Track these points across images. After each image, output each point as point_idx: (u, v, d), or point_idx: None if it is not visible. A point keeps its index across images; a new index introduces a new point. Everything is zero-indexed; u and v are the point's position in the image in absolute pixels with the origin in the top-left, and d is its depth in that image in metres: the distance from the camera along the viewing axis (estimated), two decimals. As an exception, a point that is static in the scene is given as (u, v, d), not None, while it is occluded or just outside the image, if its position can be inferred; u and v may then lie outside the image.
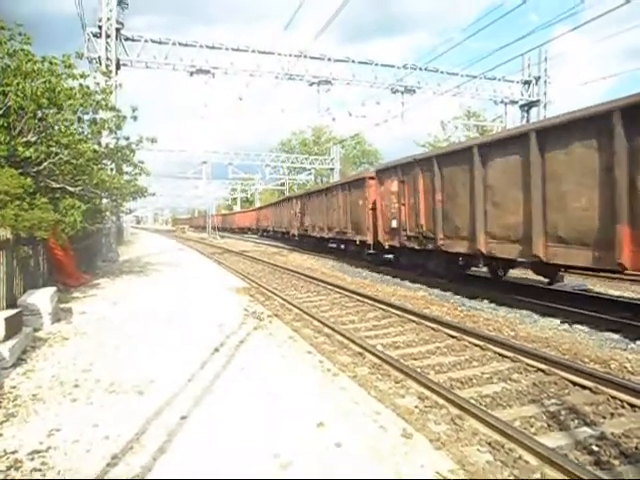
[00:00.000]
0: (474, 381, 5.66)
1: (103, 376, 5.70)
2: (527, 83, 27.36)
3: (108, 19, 20.43)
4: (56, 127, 11.51)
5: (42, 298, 8.37)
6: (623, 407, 4.79)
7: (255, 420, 4.48)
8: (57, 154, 11.08)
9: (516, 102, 27.91)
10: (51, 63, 11.18)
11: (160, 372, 5.83)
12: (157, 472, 3.58)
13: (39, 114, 10.96)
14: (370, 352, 6.73)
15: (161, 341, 7.42)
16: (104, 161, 14.55)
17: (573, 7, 13.78)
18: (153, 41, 22.51)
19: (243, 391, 5.23)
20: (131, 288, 13.15)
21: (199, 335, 7.69)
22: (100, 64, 19.72)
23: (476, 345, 7.04)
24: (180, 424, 4.38)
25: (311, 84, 24.76)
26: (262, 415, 4.60)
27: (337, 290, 12.40)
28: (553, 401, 5.00)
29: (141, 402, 4.94)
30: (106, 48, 20.41)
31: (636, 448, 3.94)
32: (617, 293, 11.63)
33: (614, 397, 4.97)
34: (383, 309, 9.81)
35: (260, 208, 49.26)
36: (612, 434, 4.19)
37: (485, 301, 10.70)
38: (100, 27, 20.39)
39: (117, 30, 20.90)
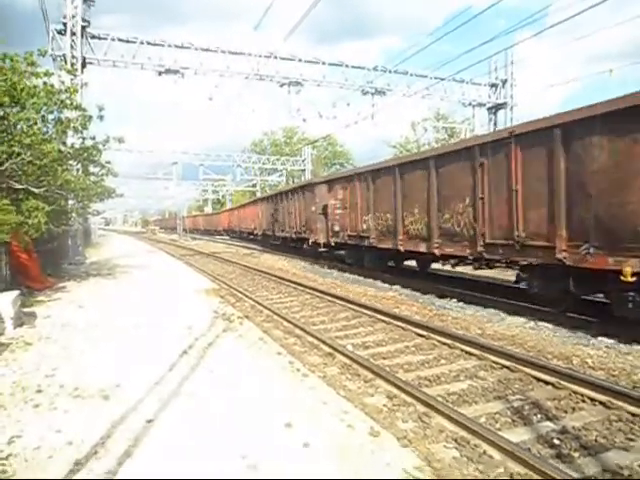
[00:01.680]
0: (442, 379, 5.74)
1: (67, 381, 5.58)
2: (494, 86, 27.87)
3: (73, 16, 19.93)
4: (18, 126, 11.19)
5: (4, 302, 8.13)
6: (584, 401, 4.93)
7: (223, 422, 4.45)
8: (19, 154, 10.77)
9: (484, 104, 28.39)
10: (12, 60, 10.88)
11: (127, 376, 5.73)
12: (122, 476, 3.52)
13: (0, 113, 10.64)
14: (340, 352, 6.75)
15: (128, 344, 7.30)
16: (70, 162, 14.21)
17: (537, 12, 14.13)
18: (120, 40, 22.08)
19: (211, 393, 5.19)
20: (98, 291, 12.89)
21: (167, 338, 7.59)
22: (65, 62, 19.27)
23: (444, 344, 7.14)
24: (147, 428, 4.32)
25: (282, 85, 24.69)
26: (230, 416, 4.57)
27: (308, 291, 12.40)
28: (517, 397, 5.12)
29: (107, 406, 4.85)
30: (71, 46, 19.93)
31: (595, 441, 4.06)
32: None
33: (575, 392, 5.11)
34: (354, 309, 9.86)
35: (255, 202, 36.37)
36: (573, 427, 4.31)
37: (454, 300, 10.85)
38: (65, 24, 19.90)
39: (83, 28, 20.41)
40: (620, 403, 4.70)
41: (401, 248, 13.06)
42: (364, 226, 15.10)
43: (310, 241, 20.16)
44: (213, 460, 3.76)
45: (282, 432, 4.22)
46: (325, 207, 18.41)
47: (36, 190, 11.61)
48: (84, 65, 21.05)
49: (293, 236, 23.29)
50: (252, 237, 35.44)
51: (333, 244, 17.88)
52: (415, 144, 42.02)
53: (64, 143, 13.84)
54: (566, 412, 4.70)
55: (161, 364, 6.13)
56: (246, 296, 11.83)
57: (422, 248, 12.13)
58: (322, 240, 18.79)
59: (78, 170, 15.38)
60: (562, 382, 5.31)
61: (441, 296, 11.28)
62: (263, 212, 30.50)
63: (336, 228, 17.10)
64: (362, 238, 15.27)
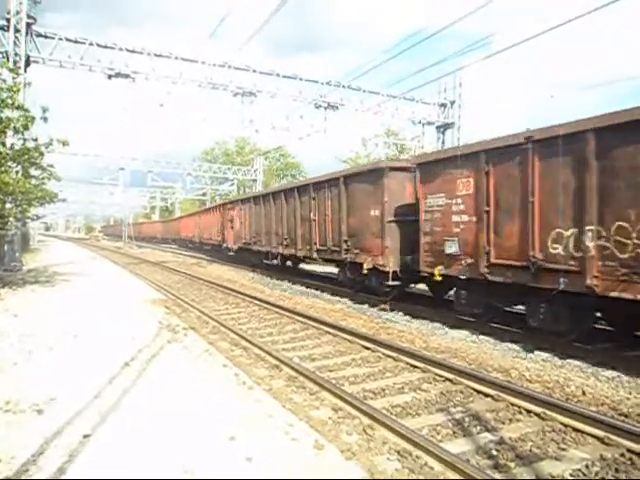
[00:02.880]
0: (386, 391, 5.82)
1: (-3, 394, 5.28)
2: (443, 106, 28.79)
3: (18, 12, 19.12)
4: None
5: None
6: (520, 413, 5.11)
7: (164, 436, 4.33)
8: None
9: (433, 123, 29.25)
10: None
11: (63, 389, 5.49)
12: (54, 496, 3.36)
13: None
14: (286, 365, 6.72)
15: (66, 356, 7.00)
16: (8, 163, 13.58)
17: (485, 37, 14.79)
18: (68, 39, 21.31)
19: (153, 406, 5.04)
20: (35, 299, 12.31)
21: (108, 349, 7.34)
22: (7, 60, 18.43)
23: (389, 356, 7.25)
24: (83, 443, 4.14)
25: (235, 95, 24.56)
26: (172, 431, 4.45)
27: (256, 302, 12.30)
28: (459, 409, 5.25)
29: (40, 421, 4.62)
30: (15, 43, 19.11)
31: (530, 451, 4.22)
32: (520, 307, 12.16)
33: (513, 404, 5.29)
34: (301, 321, 9.85)
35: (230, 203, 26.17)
36: (510, 438, 4.46)
37: (400, 313, 11.03)
38: (8, 20, 19.07)
39: (28, 25, 19.59)
40: (554, 414, 4.91)
41: None
42: (570, 247, 7.24)
43: (365, 267, 12.39)
44: (153, 475, 3.65)
45: (225, 446, 4.15)
46: (411, 210, 11.21)
47: (-30, 192, 11.03)
48: (28, 64, 20.20)
49: (314, 255, 15.72)
50: (216, 251, 28.43)
51: (439, 277, 9.99)
52: (366, 159, 42.66)
53: (3, 144, 13.22)
54: (504, 423, 4.86)
55: (101, 376, 5.90)
56: (192, 307, 11.61)
57: None
58: (392, 266, 11.54)
59: (18, 172, 14.70)
60: (501, 394, 5.49)
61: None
62: (245, 217, 22.54)
63: (451, 249, 9.55)
64: (551, 274, 7.51)
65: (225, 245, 25.95)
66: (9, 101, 12.19)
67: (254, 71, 24.56)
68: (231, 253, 25.31)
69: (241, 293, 13.78)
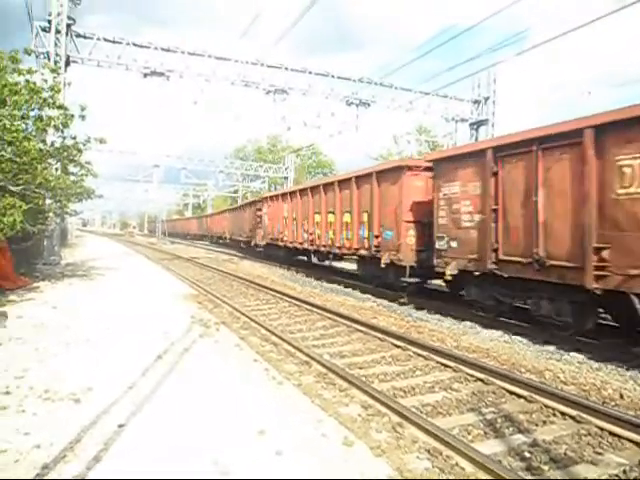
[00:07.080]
0: (416, 390, 5.77)
1: (37, 383, 5.46)
2: (477, 102, 28.32)
3: (59, 14, 19.69)
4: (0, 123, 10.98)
5: (-25, 301, 7.94)
6: (555, 415, 5.00)
7: (195, 428, 4.41)
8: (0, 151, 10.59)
9: (466, 120, 28.80)
10: (-5, 56, 10.73)
11: (99, 380, 5.64)
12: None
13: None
14: (316, 361, 6.75)
15: (102, 348, 7.18)
16: (49, 160, 13.99)
17: (518, 33, 14.49)
18: (106, 40, 21.85)
19: (184, 399, 5.13)
20: (72, 292, 12.68)
21: (142, 342, 7.49)
22: (48, 60, 18.99)
23: (420, 355, 7.19)
24: (117, 432, 4.25)
25: (267, 92, 24.70)
26: (203, 423, 4.52)
27: (286, 299, 12.37)
28: (490, 409, 5.17)
29: (77, 410, 4.76)
30: (55, 44, 19.66)
31: (564, 454, 4.13)
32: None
33: (547, 406, 5.18)
34: (331, 318, 9.86)
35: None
36: (543, 441, 4.37)
37: (431, 312, 10.92)
38: (50, 22, 19.65)
39: (68, 26, 20.16)
40: (590, 418, 4.78)
41: None
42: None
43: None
44: (184, 465, 3.72)
45: (255, 439, 4.20)
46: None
47: (13, 188, 11.40)
48: (68, 64, 20.78)
49: None
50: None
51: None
52: (398, 156, 42.36)
53: (44, 141, 13.63)
54: (537, 425, 4.77)
55: (135, 368, 6.04)
56: (224, 302, 11.75)
57: None
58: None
59: (57, 169, 15.15)
60: (534, 395, 5.39)
61: (419, 308, 11.35)
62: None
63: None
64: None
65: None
66: (50, 100, 12.53)
67: (286, 69, 24.64)
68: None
69: (272, 289, 13.88)
